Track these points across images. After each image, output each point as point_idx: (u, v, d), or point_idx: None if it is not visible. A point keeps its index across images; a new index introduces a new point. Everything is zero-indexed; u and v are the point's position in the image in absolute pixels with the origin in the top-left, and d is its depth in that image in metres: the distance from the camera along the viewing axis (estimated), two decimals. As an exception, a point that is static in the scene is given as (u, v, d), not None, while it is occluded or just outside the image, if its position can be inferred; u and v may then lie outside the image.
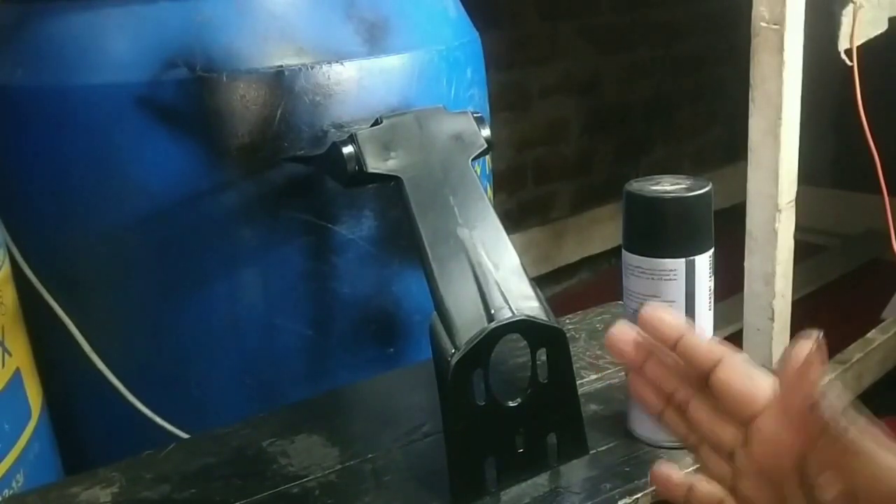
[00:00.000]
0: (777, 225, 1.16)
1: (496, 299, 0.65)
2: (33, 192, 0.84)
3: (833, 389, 0.42)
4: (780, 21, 1.09)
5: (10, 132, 0.83)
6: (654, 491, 0.62)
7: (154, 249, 0.84)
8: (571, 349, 0.67)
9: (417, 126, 0.80)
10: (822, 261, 2.24)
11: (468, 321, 0.64)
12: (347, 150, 0.77)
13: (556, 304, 0.70)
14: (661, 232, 0.66)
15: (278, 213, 0.84)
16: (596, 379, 0.80)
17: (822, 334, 0.44)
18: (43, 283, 0.83)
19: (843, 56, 1.21)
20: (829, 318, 1.86)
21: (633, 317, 0.52)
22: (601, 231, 2.34)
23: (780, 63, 1.10)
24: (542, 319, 0.65)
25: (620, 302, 0.95)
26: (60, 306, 0.84)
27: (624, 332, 0.49)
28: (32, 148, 0.82)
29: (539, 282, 0.68)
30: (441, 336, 0.65)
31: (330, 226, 0.86)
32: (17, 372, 0.78)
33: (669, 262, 0.65)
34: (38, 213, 0.84)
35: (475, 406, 0.63)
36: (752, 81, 1.14)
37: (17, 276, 0.82)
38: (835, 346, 1.51)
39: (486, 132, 0.82)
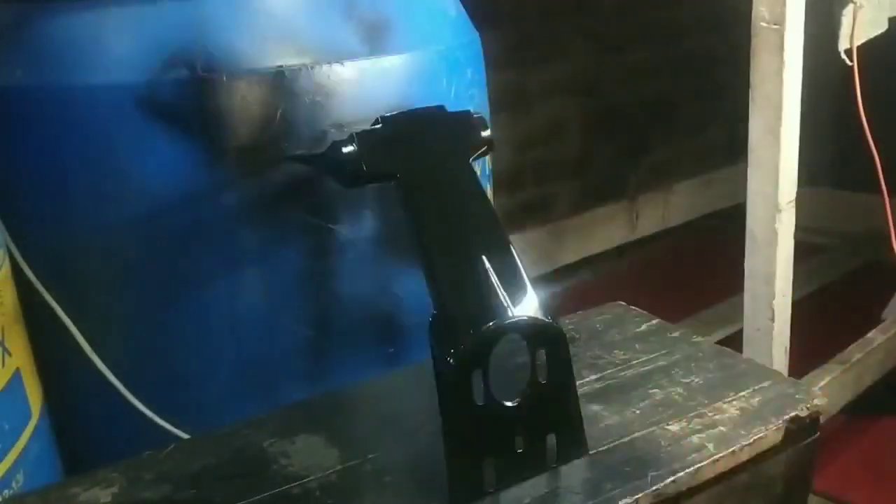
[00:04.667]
0: (777, 225, 1.16)
1: (496, 299, 0.65)
2: (33, 191, 0.84)
3: None
4: (780, 21, 1.09)
5: (9, 132, 0.83)
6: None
7: (154, 249, 0.84)
8: (571, 349, 0.67)
9: (418, 126, 0.80)
10: (822, 261, 2.24)
11: (468, 321, 0.64)
12: (347, 149, 0.77)
13: (556, 304, 0.70)
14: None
15: (278, 214, 0.84)
16: (595, 379, 0.80)
17: None
18: (43, 283, 0.83)
19: (843, 56, 1.21)
20: (829, 319, 1.86)
21: None
22: (601, 231, 2.34)
23: (781, 63, 1.10)
24: (541, 320, 0.65)
25: (621, 302, 0.96)
26: (60, 306, 0.84)
27: None
28: (32, 148, 0.82)
29: (539, 282, 0.68)
30: (441, 336, 0.65)
31: (330, 226, 0.86)
32: (17, 372, 0.78)
33: None
34: (38, 212, 0.84)
35: (475, 406, 0.63)
36: (752, 81, 1.14)
37: (17, 276, 0.82)
38: (835, 346, 1.51)
39: (486, 132, 0.82)
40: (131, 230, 0.83)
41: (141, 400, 0.85)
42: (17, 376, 0.78)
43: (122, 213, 0.82)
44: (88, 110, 0.80)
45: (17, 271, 0.82)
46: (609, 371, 0.81)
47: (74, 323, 0.84)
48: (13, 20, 0.84)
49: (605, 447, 0.69)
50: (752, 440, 0.69)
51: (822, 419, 0.75)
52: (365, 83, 0.86)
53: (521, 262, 0.69)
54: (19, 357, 0.79)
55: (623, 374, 0.80)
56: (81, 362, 0.84)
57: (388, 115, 0.81)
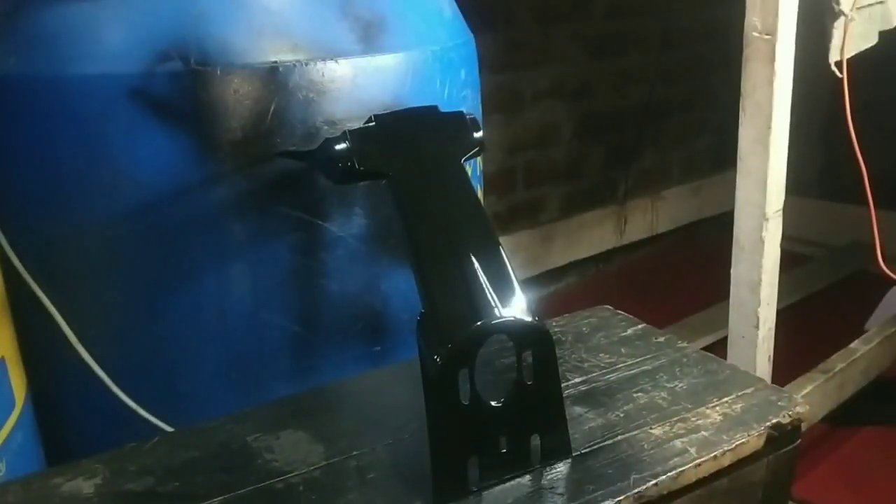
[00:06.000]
0: (764, 234, 1.17)
1: (484, 300, 0.65)
2: (23, 181, 0.84)
3: None
4: (772, 31, 1.10)
5: (1, 120, 0.82)
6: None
7: (143, 242, 0.84)
8: (557, 351, 0.67)
9: (410, 125, 0.80)
10: (807, 271, 2.26)
11: (456, 320, 0.64)
12: (340, 146, 0.77)
13: (544, 307, 0.70)
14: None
15: (268, 209, 0.84)
16: (581, 382, 0.80)
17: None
18: (30, 273, 0.83)
19: (834, 68, 1.22)
20: (813, 328, 1.88)
21: None
22: (589, 235, 2.35)
23: (771, 73, 1.11)
24: (528, 321, 0.65)
25: (607, 306, 0.96)
26: (47, 296, 0.83)
27: None
28: (24, 137, 0.82)
29: (527, 284, 0.69)
30: (428, 335, 0.65)
31: (320, 222, 0.86)
32: (2, 361, 0.78)
33: None
34: (27, 202, 0.84)
35: (460, 405, 0.63)
36: (742, 90, 1.15)
37: (5, 264, 0.82)
38: (818, 355, 1.52)
39: (478, 133, 0.82)
40: (121, 221, 0.82)
41: (126, 392, 0.85)
42: (1, 365, 0.77)
43: (113, 205, 0.82)
44: (81, 100, 0.80)
45: (4, 259, 0.82)
46: (594, 374, 0.82)
47: (61, 313, 0.84)
48: (7, 8, 0.83)
49: (589, 449, 0.70)
50: (733, 445, 0.70)
51: (803, 427, 0.75)
52: (359, 81, 0.86)
53: (510, 263, 0.69)
54: (4, 346, 0.78)
55: (608, 377, 0.81)
56: (67, 353, 0.84)
57: (382, 113, 0.81)
